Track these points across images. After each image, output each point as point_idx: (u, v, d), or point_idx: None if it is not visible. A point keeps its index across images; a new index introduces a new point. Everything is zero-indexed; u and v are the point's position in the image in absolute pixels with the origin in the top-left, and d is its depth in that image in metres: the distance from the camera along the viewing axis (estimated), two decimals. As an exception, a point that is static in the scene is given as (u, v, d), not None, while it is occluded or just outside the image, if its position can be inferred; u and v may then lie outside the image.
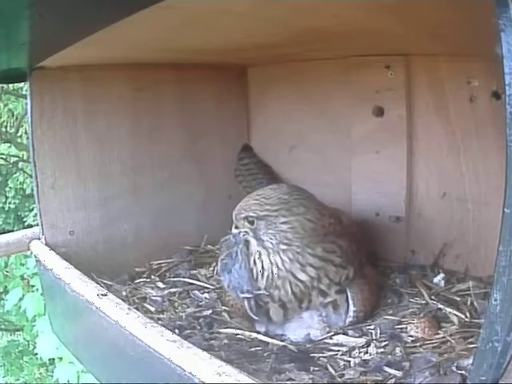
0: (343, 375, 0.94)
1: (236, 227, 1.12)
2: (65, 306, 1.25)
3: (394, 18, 0.82)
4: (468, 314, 1.09)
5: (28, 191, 5.69)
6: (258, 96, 1.74)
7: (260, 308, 1.10)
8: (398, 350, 1.00)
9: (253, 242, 1.09)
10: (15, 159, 5.23)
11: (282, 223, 1.06)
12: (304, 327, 1.10)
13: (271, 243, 1.06)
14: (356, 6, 0.74)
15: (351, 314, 1.11)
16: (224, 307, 1.25)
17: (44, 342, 2.99)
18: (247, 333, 1.12)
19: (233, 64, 1.66)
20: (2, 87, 4.28)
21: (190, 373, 0.77)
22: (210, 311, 1.23)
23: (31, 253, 1.42)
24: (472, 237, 1.27)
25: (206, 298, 1.32)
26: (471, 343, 0.96)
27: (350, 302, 1.11)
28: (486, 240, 1.23)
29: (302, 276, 1.06)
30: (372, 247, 1.38)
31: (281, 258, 1.06)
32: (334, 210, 1.20)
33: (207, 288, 1.37)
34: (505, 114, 0.51)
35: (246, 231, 1.10)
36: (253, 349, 1.06)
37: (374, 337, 1.06)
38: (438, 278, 1.27)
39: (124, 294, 1.30)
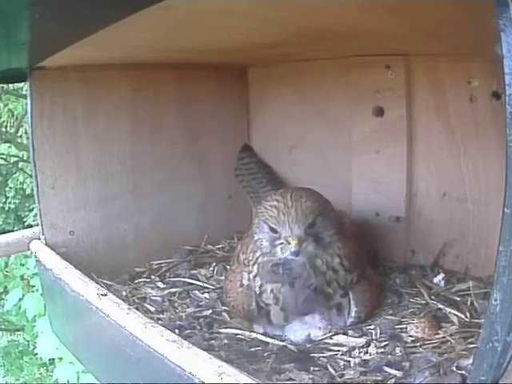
0: (343, 375, 0.94)
1: (296, 244, 1.03)
2: (65, 306, 1.25)
3: (394, 17, 0.82)
4: (468, 314, 1.09)
5: (28, 191, 5.68)
6: (258, 96, 1.74)
7: (261, 309, 1.11)
8: (397, 350, 1.00)
9: (312, 246, 1.06)
10: (15, 159, 5.23)
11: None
12: (305, 327, 1.10)
13: (329, 236, 1.08)
14: (356, 5, 0.74)
15: (353, 314, 1.11)
16: (224, 307, 1.25)
17: (44, 342, 2.99)
18: (247, 333, 1.12)
19: (233, 64, 1.66)
20: (2, 87, 4.28)
21: (190, 373, 0.77)
22: (210, 311, 1.23)
23: (31, 253, 1.42)
24: (472, 237, 1.27)
25: (205, 298, 1.32)
26: (471, 343, 0.96)
27: (352, 303, 1.11)
28: (486, 240, 1.23)
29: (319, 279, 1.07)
30: (372, 247, 1.38)
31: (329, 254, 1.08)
32: (337, 211, 1.20)
33: (207, 288, 1.37)
34: (505, 113, 0.51)
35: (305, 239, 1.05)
36: (253, 349, 1.06)
37: (373, 337, 1.06)
38: (438, 278, 1.27)
39: (124, 293, 1.30)
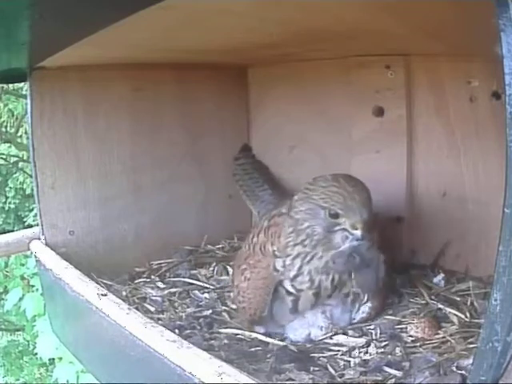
0: (343, 375, 0.94)
1: (363, 228, 1.00)
2: (65, 306, 1.25)
3: (394, 17, 0.82)
4: (468, 314, 1.09)
5: (28, 191, 5.68)
6: (258, 96, 1.74)
7: (287, 296, 1.08)
8: (397, 350, 1.00)
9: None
10: (15, 159, 5.23)
11: None
12: (306, 326, 1.09)
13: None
14: (356, 5, 0.74)
15: (367, 309, 1.11)
16: (224, 307, 1.25)
17: (44, 342, 3.00)
18: (247, 333, 1.12)
19: (233, 64, 1.66)
20: (2, 87, 4.28)
21: (190, 373, 0.77)
22: (210, 311, 1.23)
23: (31, 253, 1.42)
24: (472, 237, 1.27)
25: (205, 298, 1.32)
26: (471, 343, 0.96)
27: (366, 297, 1.11)
28: (486, 240, 1.23)
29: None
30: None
31: None
32: None
33: (207, 288, 1.37)
34: (505, 113, 0.51)
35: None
36: (253, 349, 1.06)
37: (373, 337, 1.06)
38: (438, 278, 1.27)
39: (124, 293, 1.30)
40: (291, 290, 1.08)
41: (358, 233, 1.00)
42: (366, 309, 1.11)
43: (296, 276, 1.07)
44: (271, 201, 1.47)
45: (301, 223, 1.06)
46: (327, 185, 1.04)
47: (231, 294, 1.28)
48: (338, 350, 1.03)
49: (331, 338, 1.08)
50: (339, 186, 1.02)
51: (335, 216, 1.02)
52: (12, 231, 1.53)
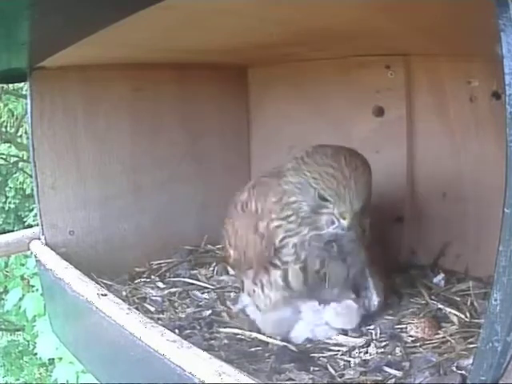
0: (343, 375, 0.94)
1: (351, 219, 0.95)
2: (65, 306, 1.25)
3: (393, 17, 0.82)
4: (468, 314, 1.09)
5: (28, 191, 5.68)
6: (258, 96, 1.74)
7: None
8: (397, 350, 1.00)
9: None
10: (15, 159, 5.23)
11: None
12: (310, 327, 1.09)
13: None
14: (355, 5, 0.74)
15: (375, 303, 1.11)
16: (224, 307, 1.25)
17: (44, 342, 2.99)
18: (247, 333, 1.12)
19: (233, 64, 1.66)
20: (2, 87, 4.28)
21: (190, 373, 0.77)
22: (210, 311, 1.23)
23: (31, 253, 1.42)
24: (472, 237, 1.27)
25: (205, 298, 1.32)
26: (471, 343, 0.96)
27: (374, 291, 1.11)
28: (486, 240, 1.23)
29: None
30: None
31: None
32: None
33: (207, 288, 1.37)
34: (505, 113, 0.51)
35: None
36: (253, 349, 1.06)
37: (373, 337, 1.06)
38: (438, 278, 1.27)
39: (124, 293, 1.30)
40: (277, 262, 1.04)
41: (345, 223, 0.94)
42: (375, 302, 1.11)
43: (280, 248, 1.02)
44: None
45: (288, 195, 1.01)
46: (324, 163, 0.96)
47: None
48: (338, 350, 1.03)
49: (331, 338, 1.08)
50: (337, 168, 0.94)
51: (324, 199, 0.96)
52: (12, 231, 1.53)
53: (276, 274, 1.05)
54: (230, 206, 1.21)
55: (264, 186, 1.10)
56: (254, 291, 1.12)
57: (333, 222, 0.96)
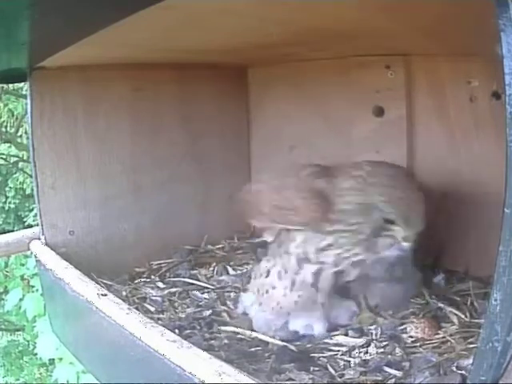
0: (343, 375, 0.94)
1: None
2: (65, 306, 1.25)
3: (393, 17, 0.82)
4: (468, 314, 1.09)
5: (28, 191, 5.69)
6: (258, 96, 1.74)
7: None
8: (397, 350, 1.00)
9: None
10: (15, 159, 5.23)
11: None
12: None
13: None
14: (355, 5, 0.74)
15: None
16: (224, 307, 1.25)
17: (44, 343, 2.99)
18: (247, 332, 1.12)
19: (233, 64, 1.66)
20: (2, 87, 4.28)
21: (190, 373, 0.77)
22: (210, 311, 1.23)
23: (31, 253, 1.42)
24: (472, 237, 1.27)
25: (205, 298, 1.32)
26: (471, 343, 0.96)
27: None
28: (486, 240, 1.22)
29: None
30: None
31: None
32: None
33: (207, 288, 1.37)
34: (505, 113, 0.51)
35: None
36: (253, 349, 1.06)
37: (373, 337, 1.06)
38: (438, 278, 1.27)
39: (124, 293, 1.30)
40: (313, 258, 1.00)
41: (408, 245, 0.93)
42: None
43: (323, 250, 0.99)
44: None
45: (349, 216, 0.96)
46: (391, 184, 0.94)
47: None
48: (338, 350, 1.03)
49: (331, 338, 1.08)
50: (404, 190, 0.93)
51: (389, 222, 0.94)
52: (12, 231, 1.53)
53: (308, 271, 1.01)
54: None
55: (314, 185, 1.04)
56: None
57: (391, 245, 0.95)
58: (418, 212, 0.92)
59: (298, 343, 1.07)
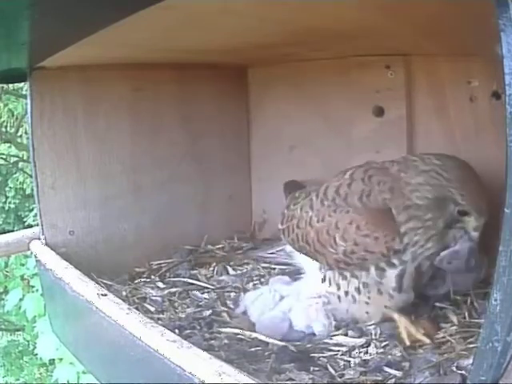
0: (343, 375, 0.94)
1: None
2: (65, 306, 1.25)
3: (393, 17, 0.82)
4: (468, 314, 1.09)
5: (28, 191, 5.69)
6: (258, 96, 1.74)
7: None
8: (397, 350, 1.00)
9: None
10: (15, 159, 5.24)
11: None
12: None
13: None
14: (355, 5, 0.74)
15: None
16: (224, 307, 1.25)
17: (44, 343, 3.00)
18: (247, 333, 1.12)
19: (233, 64, 1.66)
20: (2, 87, 4.29)
21: (190, 373, 0.77)
22: (210, 311, 1.23)
23: (31, 253, 1.42)
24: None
25: (205, 298, 1.32)
26: (471, 343, 0.96)
27: None
28: (486, 240, 1.22)
29: None
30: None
31: None
32: None
33: (207, 288, 1.37)
34: (505, 113, 0.51)
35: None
36: (253, 349, 1.06)
37: (373, 337, 1.06)
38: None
39: (124, 293, 1.30)
40: (395, 261, 0.99)
41: (476, 235, 0.95)
42: None
43: (401, 251, 0.98)
44: None
45: (424, 212, 0.97)
46: (463, 176, 0.95)
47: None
48: (338, 350, 1.03)
49: (331, 338, 1.08)
50: (473, 181, 0.95)
51: (463, 213, 0.95)
52: (12, 231, 1.53)
53: (390, 275, 1.01)
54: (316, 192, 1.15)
55: (388, 176, 1.03)
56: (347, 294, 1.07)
57: (461, 236, 0.97)
58: (486, 202, 0.94)
59: (298, 343, 1.08)
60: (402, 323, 1.04)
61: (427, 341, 0.99)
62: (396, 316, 1.05)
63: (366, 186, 1.03)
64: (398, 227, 0.98)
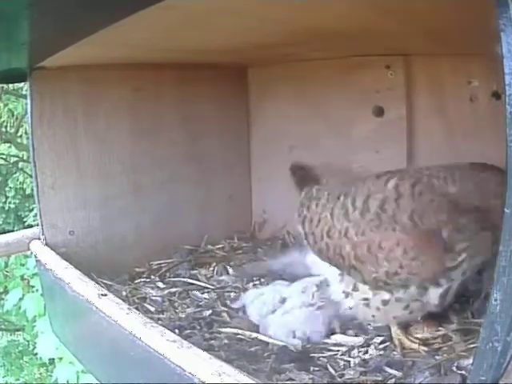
0: (343, 375, 0.94)
1: None
2: (65, 306, 1.25)
3: (393, 17, 0.82)
4: (468, 314, 1.09)
5: (28, 191, 5.69)
6: (258, 96, 1.74)
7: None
8: (397, 349, 1.00)
9: None
10: (15, 159, 5.24)
11: None
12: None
13: None
14: (355, 5, 0.74)
15: None
16: (224, 307, 1.25)
17: (44, 342, 2.99)
18: (247, 333, 1.12)
19: (233, 64, 1.66)
20: (2, 87, 4.28)
21: (190, 373, 0.77)
22: (210, 311, 1.23)
23: (31, 253, 1.42)
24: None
25: (205, 298, 1.32)
26: (471, 343, 0.96)
27: None
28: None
29: None
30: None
31: None
32: None
33: (207, 288, 1.37)
34: (505, 113, 0.51)
35: None
36: (253, 349, 1.06)
37: (373, 336, 1.06)
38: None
39: (124, 293, 1.30)
40: (442, 281, 0.95)
41: None
42: None
43: (454, 268, 0.94)
44: None
45: (474, 224, 0.93)
46: (500, 186, 0.91)
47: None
48: (338, 350, 1.03)
49: (330, 338, 1.08)
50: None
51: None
52: (12, 231, 1.53)
53: (433, 294, 0.97)
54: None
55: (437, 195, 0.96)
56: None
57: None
58: None
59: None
60: (396, 334, 1.03)
61: (421, 351, 0.98)
62: (393, 329, 1.04)
63: (418, 204, 0.96)
64: (448, 248, 0.92)
